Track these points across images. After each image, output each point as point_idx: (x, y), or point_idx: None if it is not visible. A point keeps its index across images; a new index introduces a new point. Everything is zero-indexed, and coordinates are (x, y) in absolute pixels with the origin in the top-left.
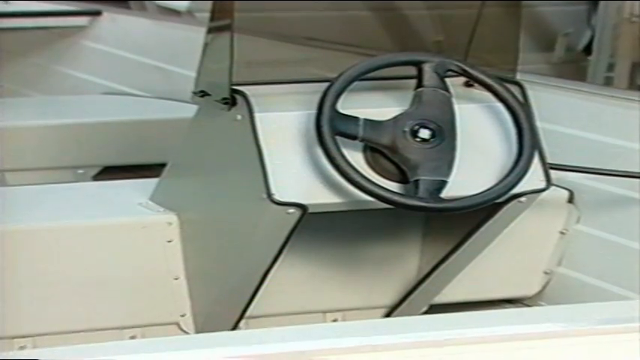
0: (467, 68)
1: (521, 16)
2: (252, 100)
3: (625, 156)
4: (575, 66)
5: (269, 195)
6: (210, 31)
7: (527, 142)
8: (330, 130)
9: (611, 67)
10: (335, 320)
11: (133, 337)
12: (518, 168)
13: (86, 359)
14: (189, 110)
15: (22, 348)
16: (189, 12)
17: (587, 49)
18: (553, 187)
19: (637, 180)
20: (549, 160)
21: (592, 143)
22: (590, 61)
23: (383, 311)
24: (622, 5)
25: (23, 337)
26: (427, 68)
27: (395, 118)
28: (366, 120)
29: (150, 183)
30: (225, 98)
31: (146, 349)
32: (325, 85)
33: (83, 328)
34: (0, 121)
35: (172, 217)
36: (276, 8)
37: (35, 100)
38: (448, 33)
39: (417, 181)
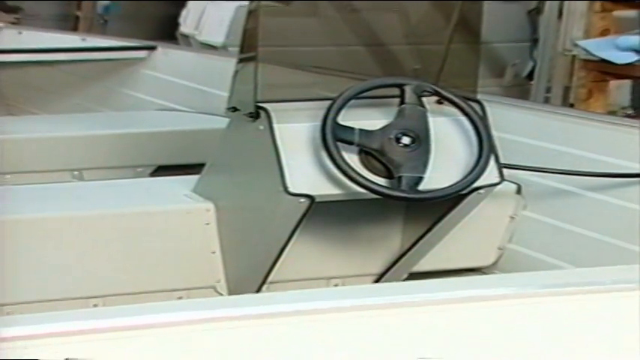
0: (438, 89)
1: (480, 50)
2: (272, 114)
3: (560, 157)
4: (521, 88)
5: (285, 188)
6: (239, 61)
7: (485, 147)
8: (332, 137)
9: (548, 89)
10: (336, 285)
11: (180, 298)
12: (478, 167)
13: (144, 315)
14: (223, 122)
15: (95, 305)
16: (224, 47)
17: (530, 76)
18: (505, 182)
19: (570, 176)
20: (502, 160)
21: (535, 148)
22: (533, 84)
23: (373, 278)
24: (556, 42)
25: (96, 297)
26: (408, 89)
27: (383, 128)
28: (360, 129)
29: (193, 179)
30: (251, 113)
31: (190, 307)
32: (328, 102)
33: (142, 290)
34: (78, 131)
35: (210, 205)
36: (290, 44)
37: (105, 114)
38: (424, 62)
39: (400, 177)
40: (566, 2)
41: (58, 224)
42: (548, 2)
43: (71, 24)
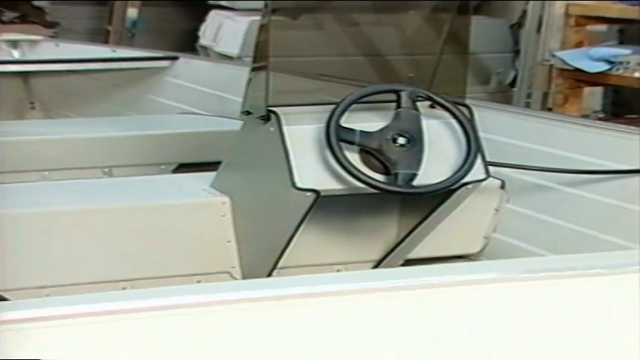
0: (431, 95)
1: (468, 60)
2: (282, 117)
3: (540, 155)
4: (504, 94)
5: (293, 183)
6: (252, 69)
7: (472, 146)
8: (335, 138)
9: (529, 95)
10: (339, 270)
11: (198, 282)
12: (466, 164)
13: (167, 297)
14: (238, 124)
15: (123, 288)
16: (239, 57)
17: (513, 83)
18: (490, 178)
19: (549, 172)
20: (488, 158)
21: (517, 147)
22: (515, 91)
23: (372, 264)
24: (536, 53)
25: (124, 280)
26: (403, 95)
27: (381, 129)
28: (361, 131)
29: (210, 175)
30: (262, 116)
31: (208, 290)
32: (332, 106)
33: (164, 275)
34: (108, 133)
35: (226, 199)
36: (298, 54)
37: (132, 118)
38: (418, 71)
39: (396, 173)
40: (544, 17)
41: (90, 215)
42: (528, 17)
43: (102, 37)
